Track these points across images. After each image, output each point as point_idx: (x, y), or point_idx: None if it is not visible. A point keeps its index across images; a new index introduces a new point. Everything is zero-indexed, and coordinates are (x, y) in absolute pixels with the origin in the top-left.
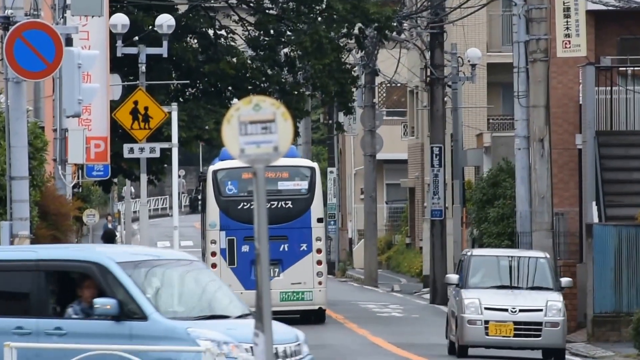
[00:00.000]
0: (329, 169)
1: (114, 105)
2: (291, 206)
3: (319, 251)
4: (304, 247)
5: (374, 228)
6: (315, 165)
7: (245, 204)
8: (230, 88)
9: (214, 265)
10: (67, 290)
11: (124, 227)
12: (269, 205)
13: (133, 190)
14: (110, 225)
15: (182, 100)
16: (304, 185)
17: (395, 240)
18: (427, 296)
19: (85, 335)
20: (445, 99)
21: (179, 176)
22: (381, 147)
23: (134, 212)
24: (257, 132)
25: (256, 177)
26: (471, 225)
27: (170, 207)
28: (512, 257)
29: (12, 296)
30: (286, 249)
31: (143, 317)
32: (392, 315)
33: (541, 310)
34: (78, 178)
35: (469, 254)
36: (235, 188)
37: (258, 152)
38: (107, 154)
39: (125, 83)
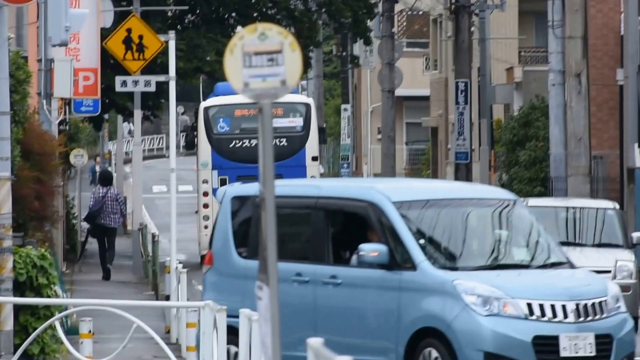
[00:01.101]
0: (343, 106)
1: (105, 34)
2: (285, 144)
3: None
4: None
5: (392, 172)
6: (310, 101)
7: (237, 142)
8: (233, 15)
9: (205, 206)
10: (346, 232)
11: (114, 170)
12: None
13: (132, 127)
14: (98, 168)
15: (180, 28)
16: (298, 122)
17: None
18: None
19: (358, 286)
20: (472, 28)
21: (178, 112)
22: (400, 82)
23: (127, 152)
24: (263, 64)
25: (262, 114)
26: (500, 169)
27: (167, 148)
28: (574, 208)
29: (292, 238)
30: None
31: (412, 266)
32: None
33: (609, 272)
34: (65, 114)
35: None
36: (227, 125)
37: (264, 87)
38: (97, 88)
39: (118, 9)
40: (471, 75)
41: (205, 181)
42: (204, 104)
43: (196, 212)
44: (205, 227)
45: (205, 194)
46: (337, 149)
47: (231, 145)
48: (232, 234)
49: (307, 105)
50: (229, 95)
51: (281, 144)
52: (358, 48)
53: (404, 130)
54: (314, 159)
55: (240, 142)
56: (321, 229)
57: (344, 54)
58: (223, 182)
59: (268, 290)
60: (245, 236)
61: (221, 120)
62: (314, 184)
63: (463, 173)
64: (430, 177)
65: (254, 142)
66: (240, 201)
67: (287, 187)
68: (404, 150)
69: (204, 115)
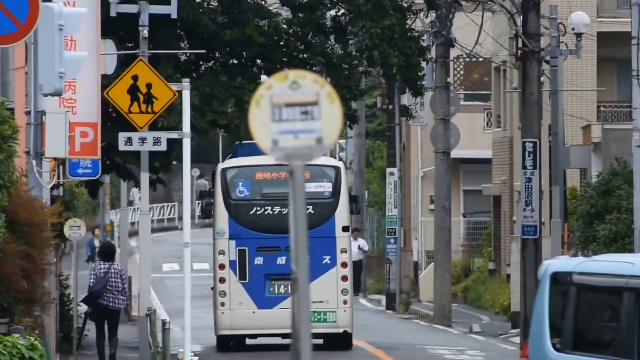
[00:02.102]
0: (389, 170)
1: (107, 82)
2: (312, 212)
3: (344, 265)
4: (327, 259)
5: (446, 249)
6: (340, 164)
7: (259, 208)
8: (258, 60)
9: (222, 280)
10: None
11: (118, 244)
12: (287, 210)
13: (138, 196)
14: (97, 242)
15: (195, 76)
16: (327, 187)
17: (474, 265)
18: (517, 339)
19: None
20: (542, 78)
21: (193, 176)
22: (457, 141)
23: (132, 223)
24: (295, 118)
25: (293, 178)
26: (575, 246)
27: (180, 218)
28: None
29: (597, 326)
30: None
31: None
32: None
33: None
34: (58, 177)
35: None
36: (247, 190)
37: (296, 145)
38: (96, 146)
39: (122, 52)
40: (541, 134)
41: (221, 252)
42: (221, 166)
43: (212, 288)
44: (222, 304)
45: (222, 266)
46: (382, 220)
47: (251, 213)
48: (548, 320)
49: (337, 169)
50: (250, 157)
51: (308, 211)
52: (407, 100)
53: (461, 199)
54: (345, 229)
55: (262, 209)
56: (631, 317)
57: (390, 107)
58: (241, 254)
59: None
60: (562, 323)
61: (240, 184)
62: (625, 259)
63: (531, 250)
64: (492, 255)
65: (277, 209)
66: (562, 278)
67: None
68: (461, 223)
69: (221, 178)
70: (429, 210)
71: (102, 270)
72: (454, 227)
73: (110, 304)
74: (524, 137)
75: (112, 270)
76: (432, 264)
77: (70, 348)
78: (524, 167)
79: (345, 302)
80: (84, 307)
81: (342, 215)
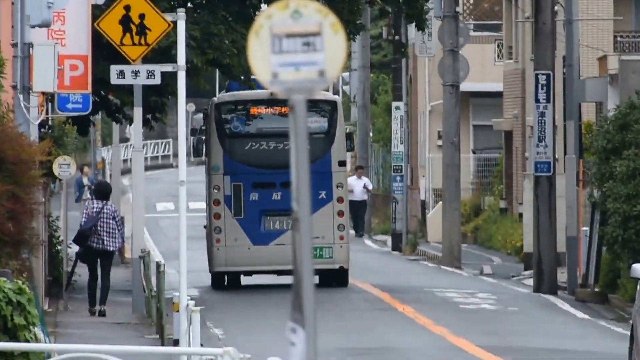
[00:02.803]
0: (394, 104)
1: (98, 12)
2: (308, 147)
3: (340, 200)
4: (322, 194)
5: (455, 187)
6: (337, 98)
7: (253, 143)
8: None
9: (216, 216)
10: None
11: (109, 183)
12: (282, 145)
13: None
14: (86, 180)
15: (192, 6)
16: (323, 122)
17: (485, 203)
18: (530, 282)
19: None
20: (556, 7)
21: (188, 111)
22: (466, 74)
23: (125, 161)
24: (297, 50)
25: (294, 113)
26: (590, 183)
27: (175, 155)
28: None
29: None
30: None
31: None
32: (482, 307)
33: None
34: (47, 113)
35: None
36: (242, 125)
37: (297, 78)
38: (87, 80)
39: None
40: (555, 65)
41: (216, 188)
42: (214, 100)
43: (205, 226)
44: (217, 240)
45: (217, 202)
46: (387, 157)
47: (246, 148)
48: None
49: (334, 103)
50: (245, 91)
51: None
52: (414, 31)
53: (470, 135)
54: (341, 163)
55: (257, 144)
56: None
57: (396, 38)
58: (237, 189)
59: (304, 333)
60: None
61: (235, 118)
62: None
63: (545, 188)
64: (504, 193)
65: (272, 144)
66: None
67: None
68: (470, 159)
69: (216, 113)
70: (437, 146)
71: (94, 210)
72: (464, 164)
73: (101, 246)
74: (536, 69)
75: (105, 211)
76: (441, 202)
77: (59, 292)
78: (537, 100)
79: (341, 238)
80: (75, 249)
81: (338, 150)
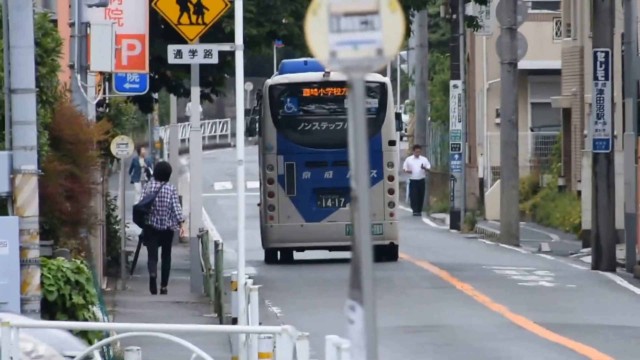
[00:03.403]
0: (452, 83)
1: None
2: None
3: (390, 178)
4: (373, 173)
5: (514, 165)
6: (386, 80)
7: (306, 124)
8: None
9: (271, 194)
10: None
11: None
12: (334, 126)
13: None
14: (142, 162)
15: None
16: (373, 103)
17: (543, 181)
18: (588, 259)
19: None
20: None
21: (246, 90)
22: (524, 51)
23: (182, 140)
24: (355, 29)
25: (352, 92)
26: None
27: (233, 135)
28: None
29: None
30: None
31: None
32: (540, 284)
33: None
34: (104, 92)
35: None
36: (295, 106)
37: (355, 57)
38: (144, 59)
39: None
40: (613, 43)
41: (270, 167)
42: (268, 82)
43: (258, 204)
44: (271, 217)
45: (270, 181)
46: (445, 136)
47: (299, 128)
48: None
49: (383, 85)
50: (297, 74)
51: None
52: (472, 9)
53: (528, 113)
54: (391, 143)
55: (309, 125)
56: None
57: (454, 16)
58: (289, 168)
59: (363, 311)
60: None
61: (288, 100)
62: None
63: (603, 165)
64: (562, 171)
65: (324, 124)
66: None
67: None
68: (528, 137)
69: (269, 95)
70: (495, 124)
71: (152, 189)
72: (522, 141)
73: (160, 225)
74: (595, 47)
75: (163, 190)
76: (499, 180)
77: (118, 271)
78: (595, 78)
79: (391, 215)
80: (133, 229)
81: (388, 130)
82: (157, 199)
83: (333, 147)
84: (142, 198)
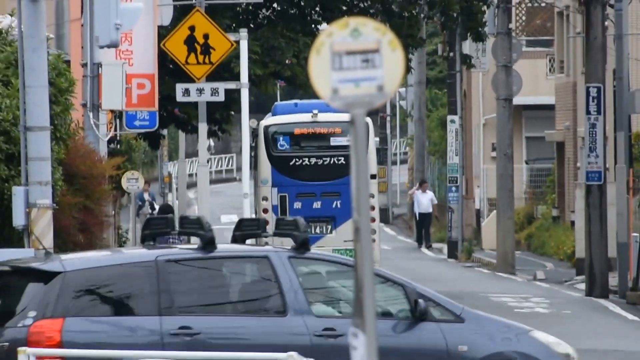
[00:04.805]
0: (449, 118)
1: (164, 33)
2: (344, 162)
3: (372, 208)
4: None
5: (509, 196)
6: (368, 120)
7: (297, 160)
8: (317, 9)
9: (265, 223)
10: None
11: (176, 196)
12: (322, 161)
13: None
14: (147, 196)
15: (253, 25)
16: None
17: (538, 212)
18: (582, 286)
19: None
20: (607, 23)
21: (251, 127)
22: (519, 88)
23: (190, 175)
24: (356, 67)
25: (354, 127)
26: None
27: (238, 169)
28: None
29: None
30: (339, 205)
31: None
32: (535, 311)
33: None
34: (115, 129)
35: None
36: (287, 144)
37: (357, 93)
38: (154, 98)
39: (179, 2)
40: (605, 79)
41: (265, 198)
42: (263, 123)
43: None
44: (266, 243)
45: (265, 210)
46: (443, 169)
47: (291, 163)
48: None
49: (367, 124)
50: (288, 115)
51: (339, 162)
52: (468, 47)
53: (523, 146)
54: (372, 177)
55: (300, 160)
56: None
57: (451, 54)
58: (282, 199)
59: (364, 337)
60: None
61: (281, 138)
62: None
63: (596, 196)
64: (556, 202)
65: (313, 160)
66: None
67: None
68: (523, 170)
69: (264, 134)
70: (491, 157)
71: None
72: (517, 174)
73: None
74: (587, 82)
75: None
76: (495, 211)
77: None
78: (588, 112)
79: (373, 240)
80: None
81: (370, 164)
82: (167, 241)
83: (321, 180)
84: None
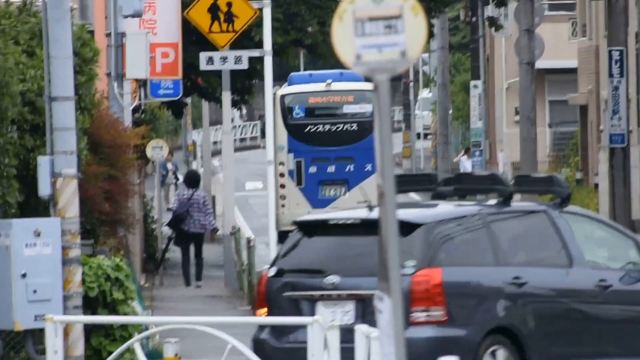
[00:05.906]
0: (473, 83)
1: (187, 2)
2: (356, 128)
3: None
4: (368, 167)
5: (533, 160)
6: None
7: (312, 127)
8: None
9: (282, 186)
10: None
11: (200, 164)
12: (335, 128)
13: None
14: (170, 166)
15: None
16: (368, 108)
17: (562, 175)
18: None
19: None
20: None
21: (274, 94)
22: (542, 52)
23: (214, 143)
24: (379, 33)
25: (378, 93)
26: None
27: (263, 136)
28: None
29: None
30: (352, 169)
31: None
32: None
33: None
34: (140, 98)
35: None
36: (302, 112)
37: (380, 59)
38: (177, 66)
39: None
40: (628, 41)
41: (281, 163)
42: (279, 92)
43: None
44: (282, 205)
45: (282, 175)
46: (466, 133)
47: (306, 130)
48: None
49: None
50: (303, 84)
51: (352, 128)
52: (491, 12)
53: (546, 110)
54: None
55: (315, 127)
56: None
57: (474, 19)
58: (298, 164)
59: (390, 301)
60: None
61: (296, 107)
62: None
63: (619, 158)
64: (580, 165)
65: (327, 127)
66: None
67: None
68: (547, 133)
69: (281, 103)
70: (514, 122)
71: (185, 197)
72: (540, 138)
73: (192, 229)
74: (610, 46)
75: (195, 197)
76: None
77: (154, 268)
78: (611, 75)
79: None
80: (167, 230)
81: None
82: (190, 205)
83: (334, 145)
84: (175, 205)
